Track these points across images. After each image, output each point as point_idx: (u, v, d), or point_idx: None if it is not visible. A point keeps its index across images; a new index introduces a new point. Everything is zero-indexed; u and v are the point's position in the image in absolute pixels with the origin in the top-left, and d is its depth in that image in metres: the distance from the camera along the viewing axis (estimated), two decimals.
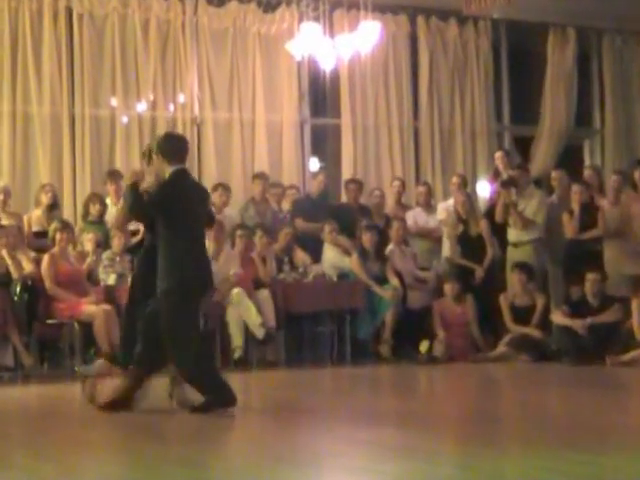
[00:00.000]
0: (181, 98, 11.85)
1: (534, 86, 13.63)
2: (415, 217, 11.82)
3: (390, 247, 11.27)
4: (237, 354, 10.04)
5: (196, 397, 6.80)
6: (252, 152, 12.19)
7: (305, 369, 10.21)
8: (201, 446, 5.65)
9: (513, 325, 10.69)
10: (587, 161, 13.91)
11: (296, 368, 10.18)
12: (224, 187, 11.13)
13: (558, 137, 13.50)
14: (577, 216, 10.83)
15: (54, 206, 10.55)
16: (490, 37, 13.33)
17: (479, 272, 11.08)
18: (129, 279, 8.48)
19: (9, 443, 6.13)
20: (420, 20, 13.02)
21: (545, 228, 11.27)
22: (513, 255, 11.18)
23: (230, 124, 12.08)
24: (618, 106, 13.85)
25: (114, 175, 10.81)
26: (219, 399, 6.69)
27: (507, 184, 11.33)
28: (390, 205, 12.08)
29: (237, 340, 10.06)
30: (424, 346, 10.50)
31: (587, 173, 11.93)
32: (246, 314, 10.10)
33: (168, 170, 6.79)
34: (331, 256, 11.09)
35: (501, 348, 10.58)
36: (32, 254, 9.89)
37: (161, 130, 11.33)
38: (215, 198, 10.95)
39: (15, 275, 9.52)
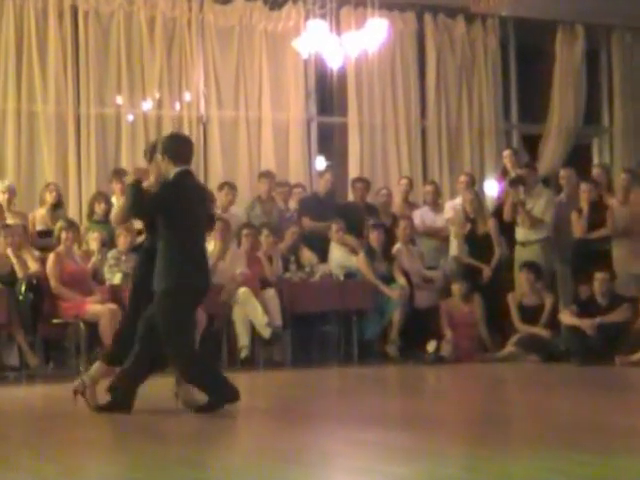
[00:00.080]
0: (187, 96, 11.82)
1: (542, 84, 13.57)
2: (422, 216, 11.78)
3: (397, 246, 11.22)
4: (243, 354, 10.01)
5: (202, 397, 6.78)
6: (258, 150, 12.16)
7: (312, 369, 10.18)
8: (203, 446, 5.63)
9: (521, 325, 10.64)
10: (596, 159, 13.86)
11: (302, 368, 10.14)
12: (230, 186, 11.11)
13: (566, 135, 13.45)
14: (586, 215, 10.78)
15: (58, 205, 10.53)
16: (498, 35, 13.29)
17: (487, 271, 11.03)
18: None
19: (12, 444, 6.10)
20: (427, 18, 12.98)
21: (553, 227, 11.22)
22: (521, 254, 11.13)
23: (236, 122, 12.05)
24: (627, 104, 13.79)
25: (119, 174, 10.76)
26: (221, 397, 6.68)
27: (515, 183, 11.29)
28: (397, 204, 12.03)
29: (243, 340, 10.03)
30: (431, 346, 10.45)
31: (596, 171, 11.87)
32: (252, 314, 10.06)
33: (173, 171, 6.77)
34: (338, 255, 11.05)
35: (509, 348, 10.53)
36: (37, 253, 9.86)
37: (167, 128, 11.33)
38: (221, 197, 10.95)
39: (20, 274, 9.49)
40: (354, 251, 11.05)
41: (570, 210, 11.03)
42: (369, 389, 8.94)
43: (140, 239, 10.04)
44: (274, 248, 10.70)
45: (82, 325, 9.46)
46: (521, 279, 10.83)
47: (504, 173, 12.11)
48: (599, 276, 10.23)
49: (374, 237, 11.02)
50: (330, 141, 13.16)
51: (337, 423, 6.52)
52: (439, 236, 11.71)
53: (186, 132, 11.20)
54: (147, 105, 11.68)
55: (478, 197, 11.62)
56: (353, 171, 12.51)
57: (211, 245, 9.93)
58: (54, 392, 8.68)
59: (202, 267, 6.82)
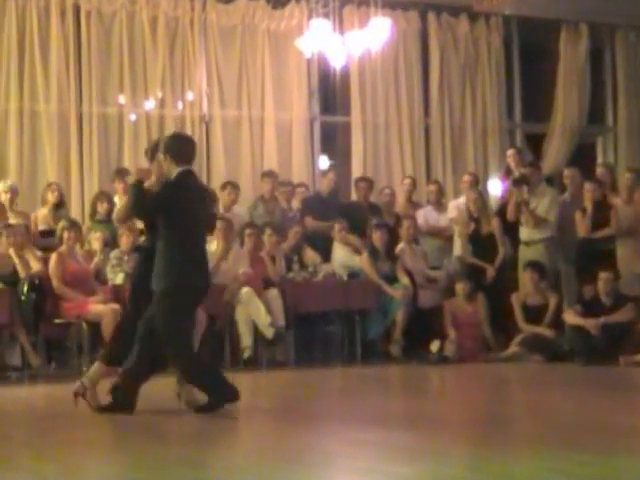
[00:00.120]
0: (189, 96, 11.81)
1: (546, 83, 13.55)
2: (426, 215, 11.75)
3: (400, 246, 11.19)
4: (246, 354, 9.98)
5: (204, 397, 6.76)
6: (261, 150, 12.14)
7: (315, 369, 10.16)
8: (204, 446, 5.62)
9: (525, 325, 10.60)
10: (600, 159, 13.83)
11: (306, 368, 10.13)
12: (233, 185, 11.09)
13: (570, 134, 13.43)
14: (590, 214, 10.76)
15: (60, 205, 10.52)
16: (501, 33, 13.27)
17: (490, 271, 11.00)
18: None
19: (14, 443, 6.10)
20: (431, 16, 12.96)
21: (557, 226, 11.19)
22: (525, 254, 11.10)
23: (239, 122, 12.04)
24: (631, 103, 13.77)
25: (122, 173, 10.74)
26: (221, 397, 6.67)
27: (519, 182, 11.26)
28: (400, 203, 12.01)
29: (246, 340, 10.00)
30: (435, 346, 10.41)
31: (600, 171, 11.83)
32: (255, 314, 10.03)
33: (175, 171, 6.75)
34: (341, 255, 11.02)
35: (513, 348, 10.50)
36: (39, 253, 9.84)
37: (169, 128, 11.32)
38: (224, 196, 10.93)
39: (22, 274, 9.47)
40: (357, 251, 11.03)
41: (574, 209, 11.00)
42: (372, 389, 8.92)
43: (143, 239, 10.04)
44: (277, 248, 10.67)
45: (84, 325, 9.43)
46: (525, 279, 10.79)
47: (508, 172, 12.07)
48: (603, 276, 10.20)
49: (377, 237, 10.99)
50: (333, 140, 13.15)
51: (340, 423, 6.51)
52: (443, 236, 11.68)
53: (188, 131, 11.21)
54: (149, 104, 11.67)
55: (482, 196, 11.59)
56: (356, 170, 12.49)
57: (214, 245, 9.92)
58: (56, 392, 8.66)
59: (202, 267, 6.80)
